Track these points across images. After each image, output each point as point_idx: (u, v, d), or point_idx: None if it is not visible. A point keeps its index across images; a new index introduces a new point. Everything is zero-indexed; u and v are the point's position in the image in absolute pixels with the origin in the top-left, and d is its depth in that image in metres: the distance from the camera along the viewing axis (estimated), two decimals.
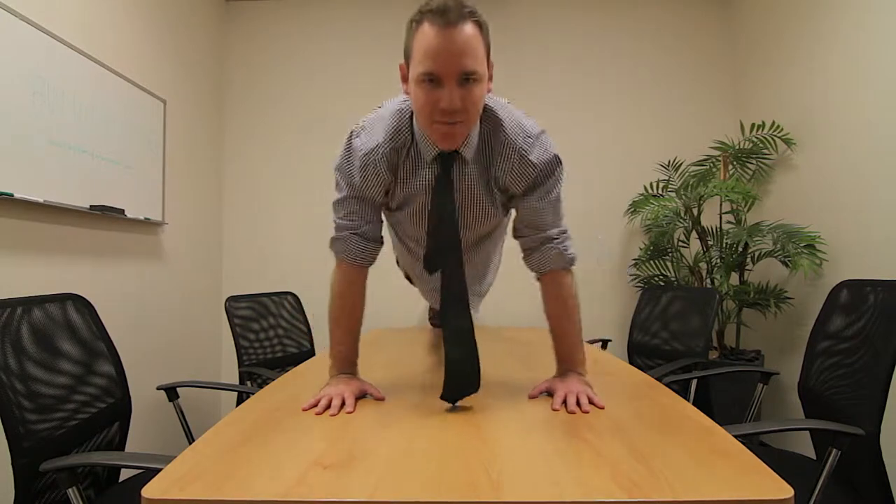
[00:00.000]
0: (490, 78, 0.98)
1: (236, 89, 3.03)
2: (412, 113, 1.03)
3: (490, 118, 1.04)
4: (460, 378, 0.97)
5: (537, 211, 1.09)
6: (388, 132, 1.04)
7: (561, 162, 1.08)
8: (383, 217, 1.20)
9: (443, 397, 0.98)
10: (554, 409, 0.99)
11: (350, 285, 1.13)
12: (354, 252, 1.11)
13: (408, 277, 1.72)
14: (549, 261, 1.11)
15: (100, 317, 1.34)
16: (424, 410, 0.99)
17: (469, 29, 0.88)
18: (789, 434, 2.31)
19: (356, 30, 3.01)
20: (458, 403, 1.00)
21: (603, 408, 0.99)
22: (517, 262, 1.18)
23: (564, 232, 1.13)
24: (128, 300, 2.17)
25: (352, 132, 1.08)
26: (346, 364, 1.14)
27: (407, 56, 0.95)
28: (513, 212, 1.18)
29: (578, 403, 1.00)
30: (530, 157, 1.04)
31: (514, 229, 1.16)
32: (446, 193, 1.04)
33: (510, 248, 1.35)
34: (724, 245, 2.50)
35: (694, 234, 2.64)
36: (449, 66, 0.88)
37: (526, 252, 1.15)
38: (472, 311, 1.27)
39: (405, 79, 0.98)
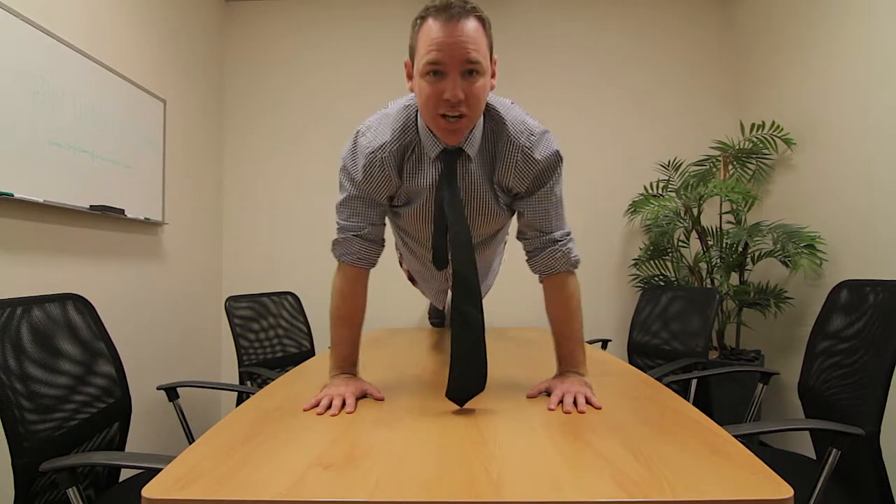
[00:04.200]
0: (493, 75, 0.99)
1: (236, 89, 3.03)
2: (417, 111, 1.04)
3: (493, 117, 1.05)
4: (467, 376, 0.96)
5: (540, 212, 1.10)
6: (394, 130, 1.04)
7: (562, 158, 1.08)
8: (387, 220, 1.20)
9: (448, 396, 0.98)
10: (550, 409, 0.99)
11: (352, 287, 1.14)
12: (356, 254, 1.12)
13: (410, 278, 1.72)
14: (554, 263, 1.12)
15: (100, 317, 1.34)
16: (424, 410, 0.99)
17: (472, 23, 0.91)
18: (789, 434, 2.31)
19: (356, 30, 3.01)
20: (464, 405, 0.99)
21: (600, 408, 0.99)
22: (518, 264, 1.19)
23: (568, 234, 1.13)
24: (128, 300, 2.17)
25: (357, 131, 1.08)
26: (346, 364, 1.15)
27: (412, 53, 0.97)
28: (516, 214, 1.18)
29: (575, 403, 1.00)
30: (533, 155, 1.05)
31: (519, 232, 1.16)
32: (452, 188, 1.04)
33: (512, 249, 1.35)
34: (724, 245, 2.50)
35: (694, 234, 2.64)
36: (452, 55, 0.89)
37: (530, 254, 1.15)
38: None
39: (410, 76, 1.00)
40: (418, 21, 0.94)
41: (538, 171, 1.06)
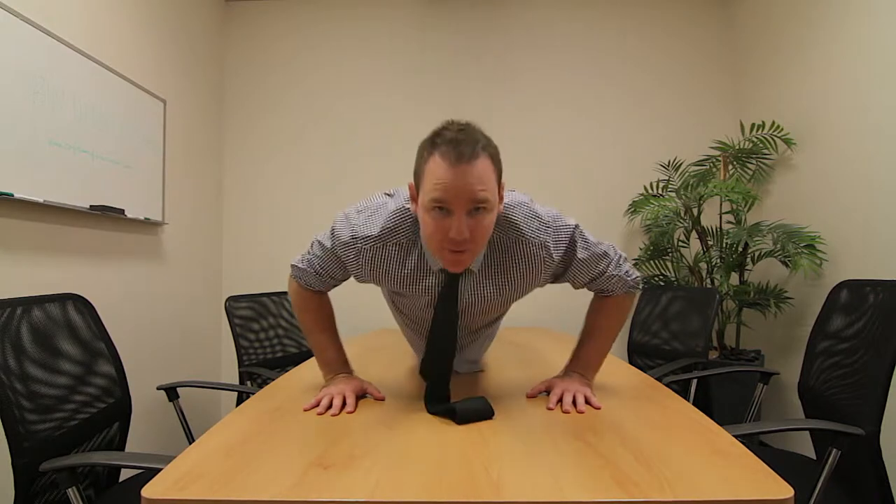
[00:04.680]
0: (501, 199, 0.96)
1: (236, 89, 3.03)
2: (416, 218, 1.01)
3: (504, 224, 1.01)
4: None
5: (583, 273, 1.08)
6: (384, 228, 1.01)
7: (577, 228, 1.06)
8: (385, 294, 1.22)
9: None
10: (549, 408, 0.99)
11: (308, 302, 1.17)
12: (312, 285, 1.15)
13: None
14: (611, 286, 1.12)
15: (100, 317, 1.34)
16: (424, 410, 0.99)
17: (480, 163, 0.87)
18: (789, 434, 2.31)
19: (356, 30, 3.01)
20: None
21: (599, 408, 0.99)
22: None
23: (618, 258, 1.11)
24: (128, 300, 2.17)
25: (358, 207, 1.06)
26: (338, 366, 1.15)
27: (416, 179, 0.94)
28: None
29: (575, 403, 1.00)
30: (557, 247, 1.03)
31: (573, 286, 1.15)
32: (449, 308, 1.04)
33: None
34: (724, 245, 2.50)
35: (694, 234, 2.64)
36: (459, 198, 0.86)
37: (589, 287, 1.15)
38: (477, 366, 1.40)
39: (414, 199, 0.96)
40: (425, 153, 0.90)
41: (562, 254, 1.04)
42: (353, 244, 1.02)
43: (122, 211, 2.05)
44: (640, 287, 1.16)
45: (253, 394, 1.18)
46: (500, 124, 2.88)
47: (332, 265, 1.09)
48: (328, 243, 1.07)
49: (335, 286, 1.17)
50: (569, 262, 1.06)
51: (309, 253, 1.14)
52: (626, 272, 1.11)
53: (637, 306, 2.29)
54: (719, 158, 2.59)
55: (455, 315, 1.05)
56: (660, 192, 2.73)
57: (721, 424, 0.88)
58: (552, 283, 1.13)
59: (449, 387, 1.03)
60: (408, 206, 1.01)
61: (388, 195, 1.07)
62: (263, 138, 3.02)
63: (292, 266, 1.16)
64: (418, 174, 0.93)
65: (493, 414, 0.94)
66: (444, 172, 0.86)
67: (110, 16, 2.08)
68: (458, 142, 0.85)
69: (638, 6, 2.97)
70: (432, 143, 0.89)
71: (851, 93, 2.08)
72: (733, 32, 2.93)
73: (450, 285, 1.03)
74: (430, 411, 0.99)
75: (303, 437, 0.86)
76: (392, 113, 2.94)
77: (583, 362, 1.13)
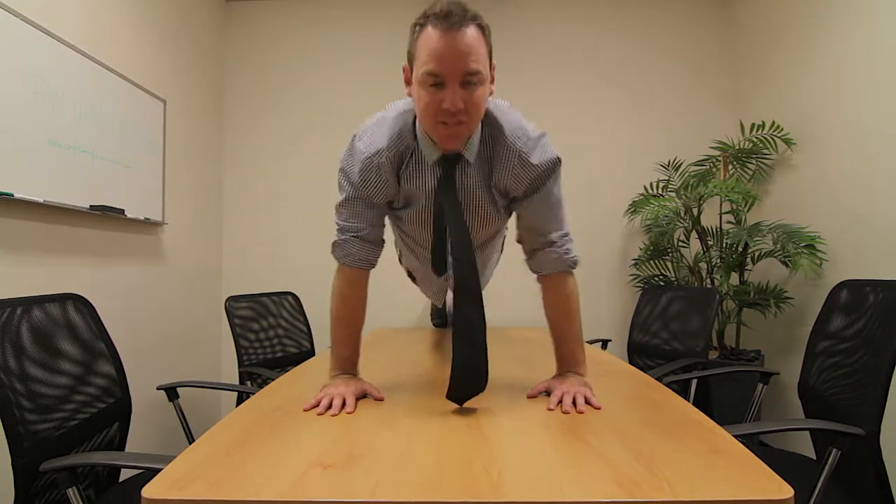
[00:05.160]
0: (492, 80, 0.98)
1: (236, 89, 3.03)
2: (415, 116, 1.04)
3: (491, 122, 1.04)
4: (468, 375, 0.96)
5: (537, 214, 1.09)
6: (391, 137, 1.04)
7: (560, 162, 1.08)
8: (386, 220, 1.20)
9: (449, 397, 0.98)
10: (549, 409, 0.99)
11: (352, 288, 1.14)
12: (355, 255, 1.12)
13: (410, 275, 1.73)
14: (550, 264, 1.12)
15: (100, 317, 1.34)
16: (424, 410, 0.99)
17: (472, 32, 0.90)
18: (789, 434, 2.31)
19: (356, 30, 3.02)
20: (464, 405, 1.00)
21: (600, 408, 0.99)
22: (519, 262, 1.19)
23: (566, 235, 1.13)
24: (128, 300, 2.17)
25: (355, 135, 1.08)
26: (346, 365, 1.15)
27: (410, 58, 0.96)
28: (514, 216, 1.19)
29: (575, 403, 1.00)
30: (530, 159, 1.04)
31: (517, 235, 1.16)
32: (451, 194, 1.04)
33: (512, 248, 1.35)
34: (724, 245, 2.50)
35: (694, 234, 2.64)
36: (452, 67, 0.89)
37: (528, 254, 1.16)
38: None
39: (408, 81, 0.99)
40: (417, 27, 0.93)
41: (535, 175, 1.06)
42: (370, 164, 1.04)
43: (122, 211, 2.05)
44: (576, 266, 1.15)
45: (253, 394, 1.18)
46: None
47: (361, 209, 1.10)
48: (347, 192, 1.09)
49: (379, 237, 1.14)
50: (533, 191, 1.07)
51: (336, 225, 1.13)
52: (567, 250, 1.12)
53: (637, 306, 2.29)
54: (719, 158, 2.59)
55: (458, 200, 1.04)
56: (660, 192, 2.73)
57: (721, 424, 0.88)
58: (513, 207, 1.14)
59: (478, 274, 1.02)
60: (405, 108, 1.04)
61: (381, 111, 1.10)
62: (263, 138, 3.02)
63: (332, 247, 1.13)
64: (411, 53, 0.95)
65: (484, 386, 0.96)
66: (436, 42, 0.89)
67: (110, 16, 2.08)
68: (448, 13, 0.88)
69: (638, 6, 2.97)
70: (424, 17, 0.92)
71: (851, 93, 2.08)
72: (733, 32, 2.93)
73: (447, 173, 1.04)
74: (438, 274, 1.08)
75: (303, 437, 0.86)
76: None
77: (569, 360, 1.13)
